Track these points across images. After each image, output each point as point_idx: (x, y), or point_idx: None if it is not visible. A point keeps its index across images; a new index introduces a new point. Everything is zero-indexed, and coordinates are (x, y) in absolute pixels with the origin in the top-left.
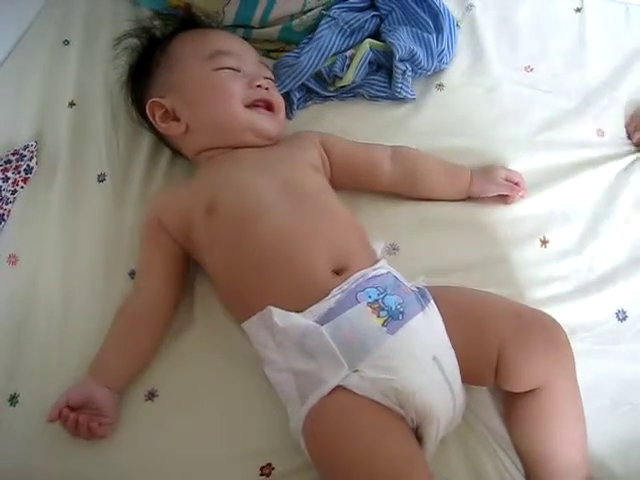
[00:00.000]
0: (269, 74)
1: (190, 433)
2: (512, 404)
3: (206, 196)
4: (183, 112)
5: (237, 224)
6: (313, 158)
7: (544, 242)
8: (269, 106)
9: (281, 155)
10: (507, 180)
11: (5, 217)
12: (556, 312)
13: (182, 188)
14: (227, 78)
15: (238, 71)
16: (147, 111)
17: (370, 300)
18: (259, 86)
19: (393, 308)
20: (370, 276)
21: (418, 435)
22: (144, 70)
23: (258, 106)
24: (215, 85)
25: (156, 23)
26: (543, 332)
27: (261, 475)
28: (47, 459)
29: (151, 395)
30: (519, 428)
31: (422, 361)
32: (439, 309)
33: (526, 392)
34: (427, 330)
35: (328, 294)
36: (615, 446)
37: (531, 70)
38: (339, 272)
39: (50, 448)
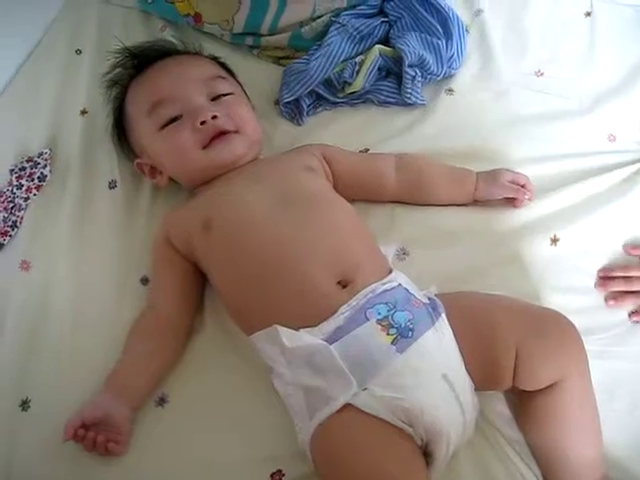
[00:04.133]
0: (219, 89)
1: (200, 439)
2: (527, 403)
3: (202, 214)
4: (160, 166)
5: (231, 239)
6: (308, 161)
7: (554, 241)
8: (225, 133)
9: (274, 165)
10: (513, 182)
11: (18, 224)
12: (569, 314)
13: (185, 208)
14: (171, 135)
15: (180, 116)
16: (137, 171)
17: (380, 317)
18: (204, 122)
19: (403, 325)
20: (380, 291)
21: (428, 452)
22: (119, 132)
23: (214, 138)
24: (164, 145)
25: (116, 71)
26: (557, 328)
27: None
28: (57, 464)
29: (162, 401)
30: (534, 427)
31: (431, 380)
32: (451, 319)
33: (541, 390)
34: (437, 347)
35: (336, 311)
36: (633, 447)
37: (541, 74)
38: (345, 284)
39: (60, 453)
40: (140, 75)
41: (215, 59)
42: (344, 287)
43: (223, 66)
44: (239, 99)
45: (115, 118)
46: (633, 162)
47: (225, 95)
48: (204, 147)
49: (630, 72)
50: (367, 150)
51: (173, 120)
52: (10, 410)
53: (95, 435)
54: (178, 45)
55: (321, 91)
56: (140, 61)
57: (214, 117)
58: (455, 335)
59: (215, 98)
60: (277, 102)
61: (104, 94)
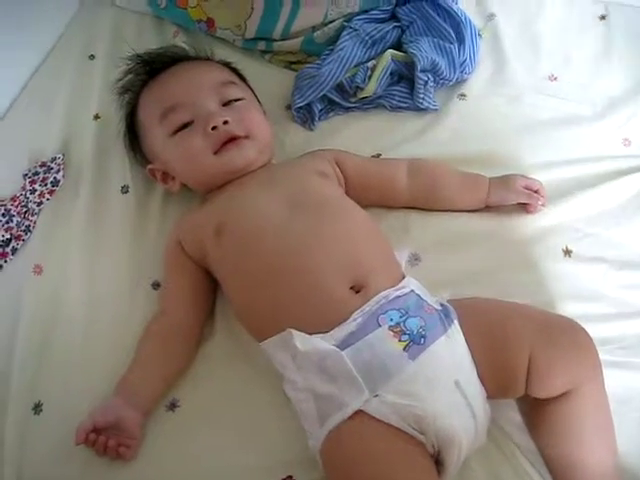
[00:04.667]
0: (230, 94)
1: (211, 444)
2: (540, 411)
3: (214, 220)
4: (172, 172)
5: (243, 245)
6: (320, 166)
7: (568, 254)
8: (236, 138)
9: (286, 170)
10: (526, 188)
11: (31, 228)
12: (585, 324)
13: (197, 213)
14: (183, 141)
15: (192, 122)
16: (150, 177)
17: (392, 323)
18: (215, 127)
19: (415, 332)
20: (392, 297)
21: (439, 460)
22: (131, 138)
23: (225, 143)
24: (176, 150)
25: (128, 78)
26: (570, 335)
27: None
28: (69, 467)
29: (172, 405)
30: (547, 435)
31: (443, 387)
32: (463, 325)
33: (554, 398)
34: (449, 354)
35: (349, 317)
36: None
37: (555, 79)
38: (358, 289)
39: (72, 456)
40: (152, 81)
41: (227, 64)
42: (357, 292)
43: (235, 71)
44: (250, 104)
45: (127, 125)
46: None
47: (236, 100)
48: (215, 152)
49: None
50: (379, 155)
51: (185, 126)
52: (23, 413)
53: (106, 439)
54: (189, 51)
55: (333, 96)
56: (152, 67)
57: (225, 122)
58: (467, 342)
59: (226, 104)
60: (289, 107)
61: (116, 101)
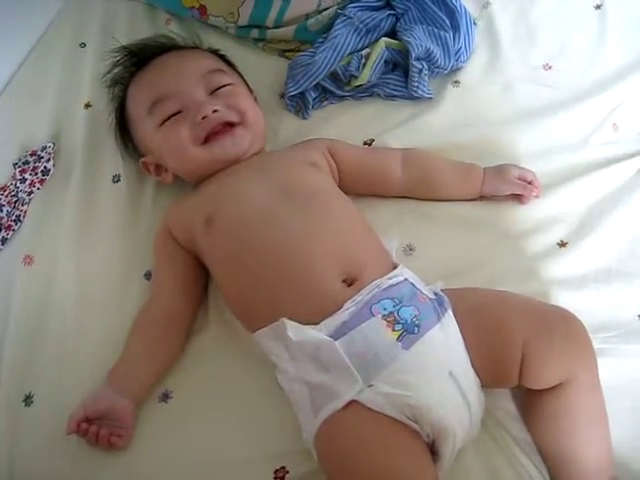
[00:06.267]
0: (217, 82)
1: (204, 435)
2: (535, 402)
3: (204, 209)
4: (163, 164)
5: (232, 235)
6: (312, 157)
7: (563, 244)
8: (230, 125)
9: (278, 159)
10: (520, 179)
11: (21, 218)
12: (578, 312)
13: (187, 200)
14: (171, 130)
15: (180, 111)
16: (143, 170)
17: (385, 313)
18: (205, 117)
19: (408, 321)
20: (386, 286)
21: (434, 449)
22: (123, 131)
23: (217, 133)
24: (164, 141)
25: (116, 70)
26: (565, 326)
27: (275, 478)
28: (60, 459)
29: (165, 397)
30: (543, 427)
31: (438, 377)
32: (458, 315)
33: (549, 389)
34: (443, 344)
35: (341, 307)
36: (638, 447)
37: (549, 68)
38: (350, 282)
39: (63, 448)
40: (139, 73)
41: (215, 52)
42: (349, 285)
43: (223, 58)
44: (238, 89)
45: (117, 118)
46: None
47: (223, 87)
48: (205, 142)
49: (637, 62)
50: (372, 140)
51: (173, 116)
52: (13, 405)
53: (98, 429)
54: (177, 40)
55: (327, 84)
56: (139, 59)
57: (215, 111)
58: (461, 331)
59: (214, 92)
60: (283, 95)
61: (107, 93)
